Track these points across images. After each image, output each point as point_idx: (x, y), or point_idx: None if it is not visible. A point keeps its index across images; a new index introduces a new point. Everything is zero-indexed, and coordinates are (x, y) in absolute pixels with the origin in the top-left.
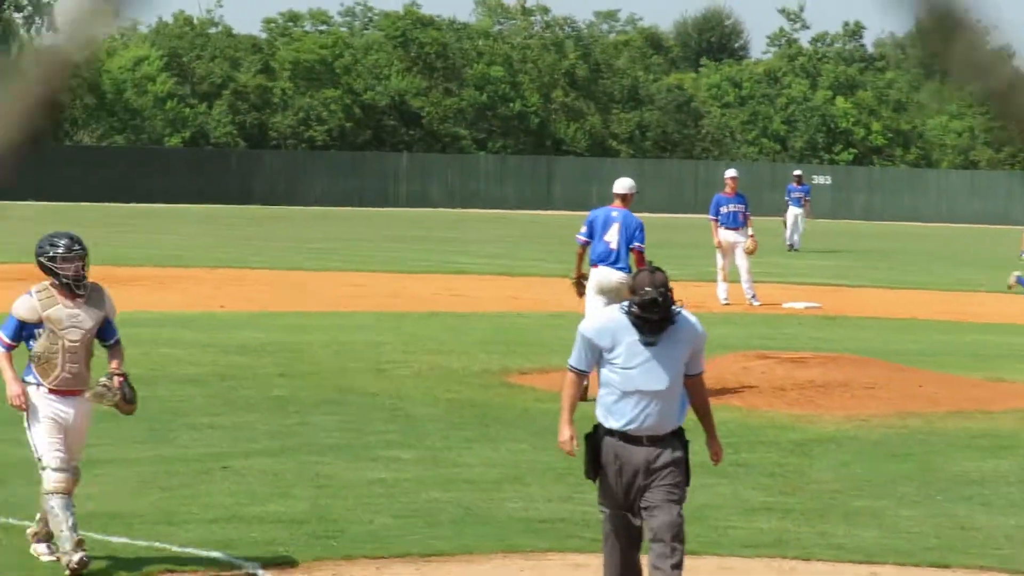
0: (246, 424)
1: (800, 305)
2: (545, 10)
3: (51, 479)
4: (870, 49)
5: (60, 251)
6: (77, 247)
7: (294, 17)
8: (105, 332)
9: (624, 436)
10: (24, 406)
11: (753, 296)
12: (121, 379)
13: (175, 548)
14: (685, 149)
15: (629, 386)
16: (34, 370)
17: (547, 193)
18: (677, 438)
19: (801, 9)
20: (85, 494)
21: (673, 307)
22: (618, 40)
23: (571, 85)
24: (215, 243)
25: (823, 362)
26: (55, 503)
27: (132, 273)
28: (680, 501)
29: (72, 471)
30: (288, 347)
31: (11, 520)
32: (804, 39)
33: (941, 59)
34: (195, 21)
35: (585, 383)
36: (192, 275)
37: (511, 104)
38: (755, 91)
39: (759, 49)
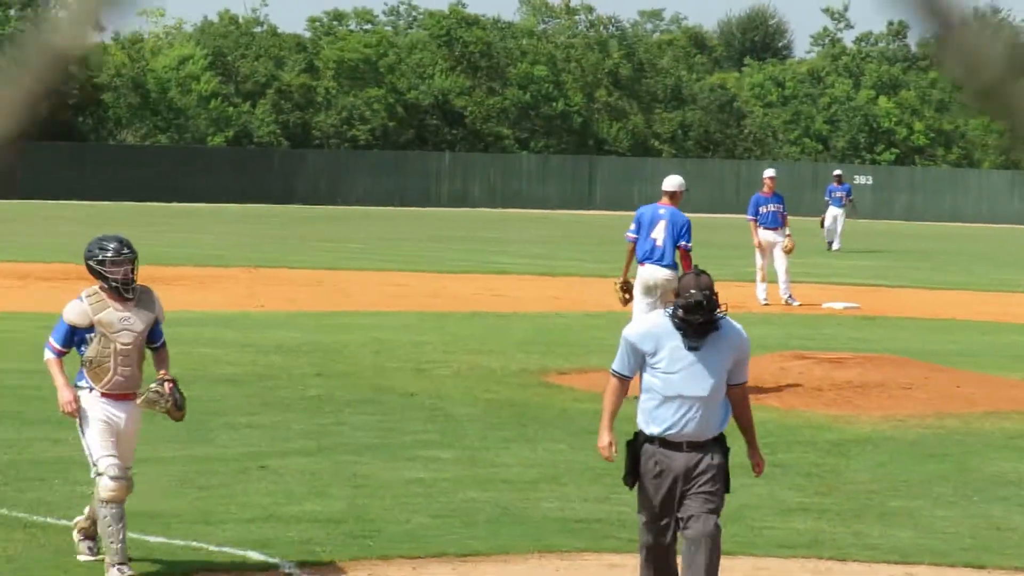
0: (283, 424)
1: (839, 305)
2: (589, 9)
3: (106, 487)
4: (914, 49)
5: (109, 255)
6: (126, 251)
7: (339, 16)
8: (153, 334)
9: (664, 442)
10: (76, 413)
11: (790, 296)
12: (171, 385)
13: (212, 548)
14: (727, 149)
15: (670, 391)
16: (86, 375)
17: (589, 193)
18: (718, 444)
19: (845, 8)
20: None
21: (717, 311)
22: (662, 39)
23: (614, 84)
24: (256, 242)
25: (861, 362)
26: (108, 513)
27: (173, 273)
28: (717, 510)
29: (127, 478)
30: (327, 347)
31: (48, 519)
32: (848, 39)
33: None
34: (240, 20)
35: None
36: (232, 275)
37: (554, 103)
38: (798, 91)
39: (803, 49)
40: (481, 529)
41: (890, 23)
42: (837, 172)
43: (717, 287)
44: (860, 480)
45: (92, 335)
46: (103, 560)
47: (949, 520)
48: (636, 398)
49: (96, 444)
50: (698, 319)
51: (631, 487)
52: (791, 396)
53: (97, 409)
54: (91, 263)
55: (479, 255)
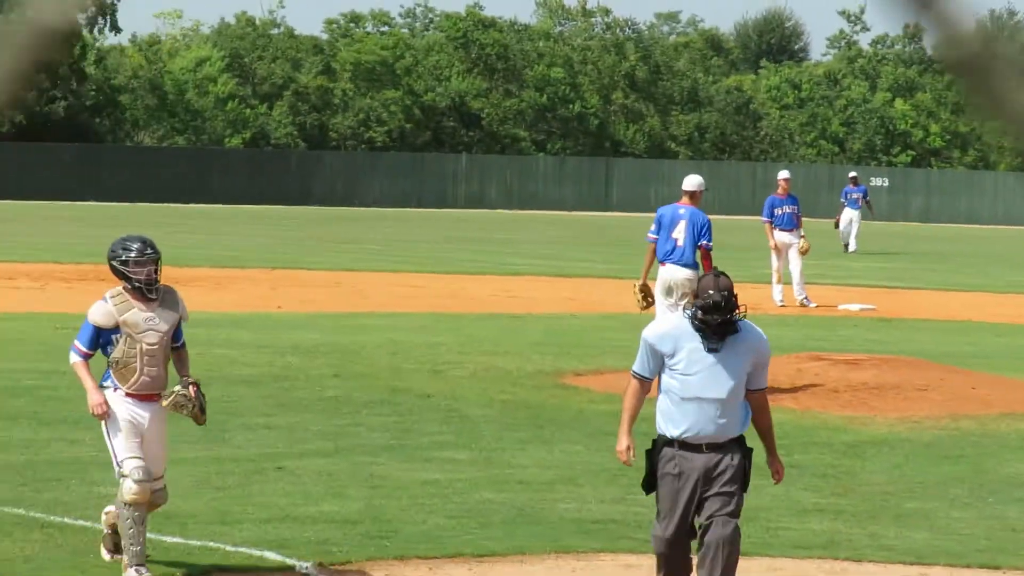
0: (300, 424)
1: (855, 307)
2: (606, 11)
3: (129, 490)
4: (930, 51)
5: (132, 255)
6: (150, 251)
7: (355, 18)
8: (175, 335)
9: (683, 444)
10: (106, 415)
11: (805, 297)
12: (195, 387)
13: (229, 548)
14: (743, 151)
15: (688, 393)
16: (112, 375)
17: (605, 195)
18: (738, 444)
19: (862, 11)
20: None
21: (736, 312)
22: (678, 42)
23: (631, 87)
24: (272, 244)
25: (877, 364)
26: (130, 515)
27: (190, 274)
28: (736, 512)
29: (150, 480)
30: (343, 348)
31: (65, 519)
32: (864, 41)
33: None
34: (257, 22)
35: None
36: (249, 276)
37: (571, 105)
38: (814, 93)
39: (819, 51)
40: (497, 530)
41: (906, 26)
42: (853, 174)
43: (734, 289)
44: (876, 481)
45: (117, 336)
46: (121, 561)
47: (964, 521)
48: (654, 399)
49: (121, 445)
50: (716, 320)
51: (647, 493)
52: (807, 397)
53: (122, 409)
54: (114, 263)
55: (495, 257)
